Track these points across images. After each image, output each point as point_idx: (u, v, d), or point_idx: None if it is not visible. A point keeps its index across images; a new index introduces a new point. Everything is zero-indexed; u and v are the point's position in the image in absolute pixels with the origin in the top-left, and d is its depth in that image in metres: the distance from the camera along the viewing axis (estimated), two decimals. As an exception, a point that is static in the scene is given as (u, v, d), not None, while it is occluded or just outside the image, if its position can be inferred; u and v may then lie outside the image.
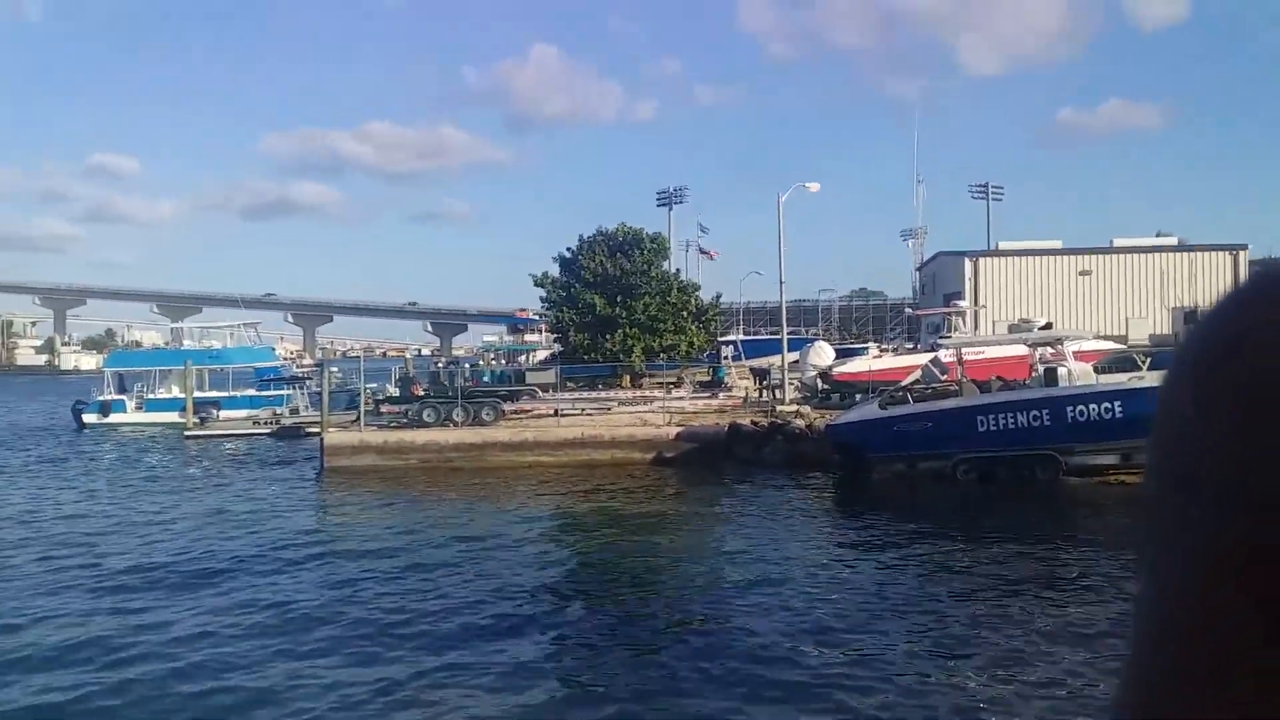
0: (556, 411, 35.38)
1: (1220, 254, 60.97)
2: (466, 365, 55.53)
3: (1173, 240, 63.88)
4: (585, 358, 47.54)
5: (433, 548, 18.53)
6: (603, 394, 40.88)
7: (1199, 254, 60.79)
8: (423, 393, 35.49)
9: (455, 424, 32.68)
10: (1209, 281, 59.71)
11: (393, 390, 37.88)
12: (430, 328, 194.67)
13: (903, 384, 29.64)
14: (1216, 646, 0.44)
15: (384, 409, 34.79)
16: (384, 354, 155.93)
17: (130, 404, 51.03)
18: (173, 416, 47.86)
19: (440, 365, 54.50)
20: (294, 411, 46.81)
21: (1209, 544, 0.46)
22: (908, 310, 75.28)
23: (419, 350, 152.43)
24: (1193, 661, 0.46)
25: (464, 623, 13.37)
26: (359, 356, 64.18)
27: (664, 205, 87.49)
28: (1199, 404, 0.49)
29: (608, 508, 23.20)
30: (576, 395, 39.94)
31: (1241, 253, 61.27)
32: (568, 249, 51.89)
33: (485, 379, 45.09)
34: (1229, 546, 0.45)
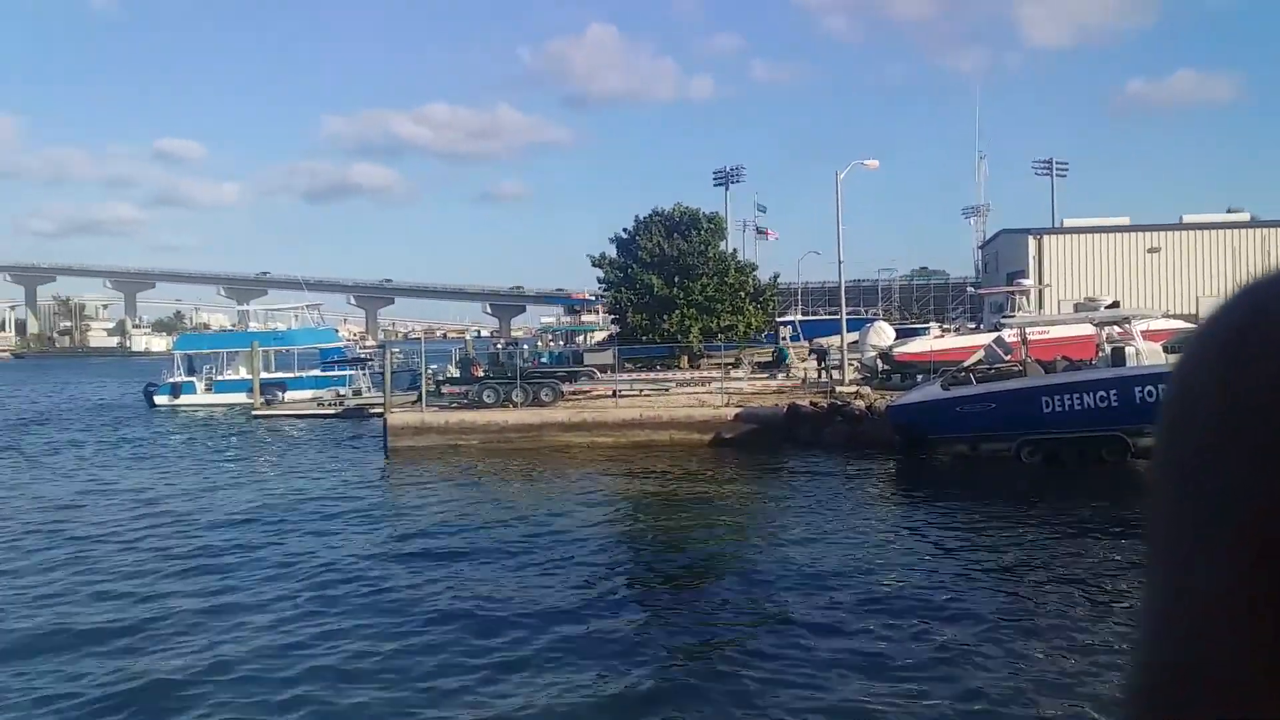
0: (614, 392, 35.51)
1: (1295, 229, 59.14)
2: (525, 346, 55.94)
3: (1245, 216, 62.16)
4: (643, 339, 47.54)
5: (495, 529, 18.76)
6: (660, 375, 40.93)
7: (1272, 230, 59.03)
8: (482, 374, 35.84)
9: (514, 405, 32.98)
10: (1284, 258, 57.96)
11: (453, 371, 38.30)
12: (489, 309, 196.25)
13: (965, 364, 29.28)
14: (1229, 642, 0.43)
15: (445, 390, 35.20)
16: (444, 335, 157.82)
17: (200, 385, 52.24)
18: (240, 397, 48.95)
19: (499, 346, 54.87)
20: (357, 393, 47.59)
21: (1225, 538, 0.45)
22: (970, 289, 74.21)
23: (478, 331, 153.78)
24: (1205, 658, 0.44)
25: (523, 605, 13.48)
26: (420, 338, 64.91)
27: (720, 185, 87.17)
28: (1218, 399, 0.47)
29: (666, 489, 23.28)
30: (634, 376, 40.03)
31: (1318, 228, 59.37)
32: (624, 230, 51.85)
33: (544, 360, 45.40)
34: (1245, 540, 0.44)
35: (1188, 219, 61.51)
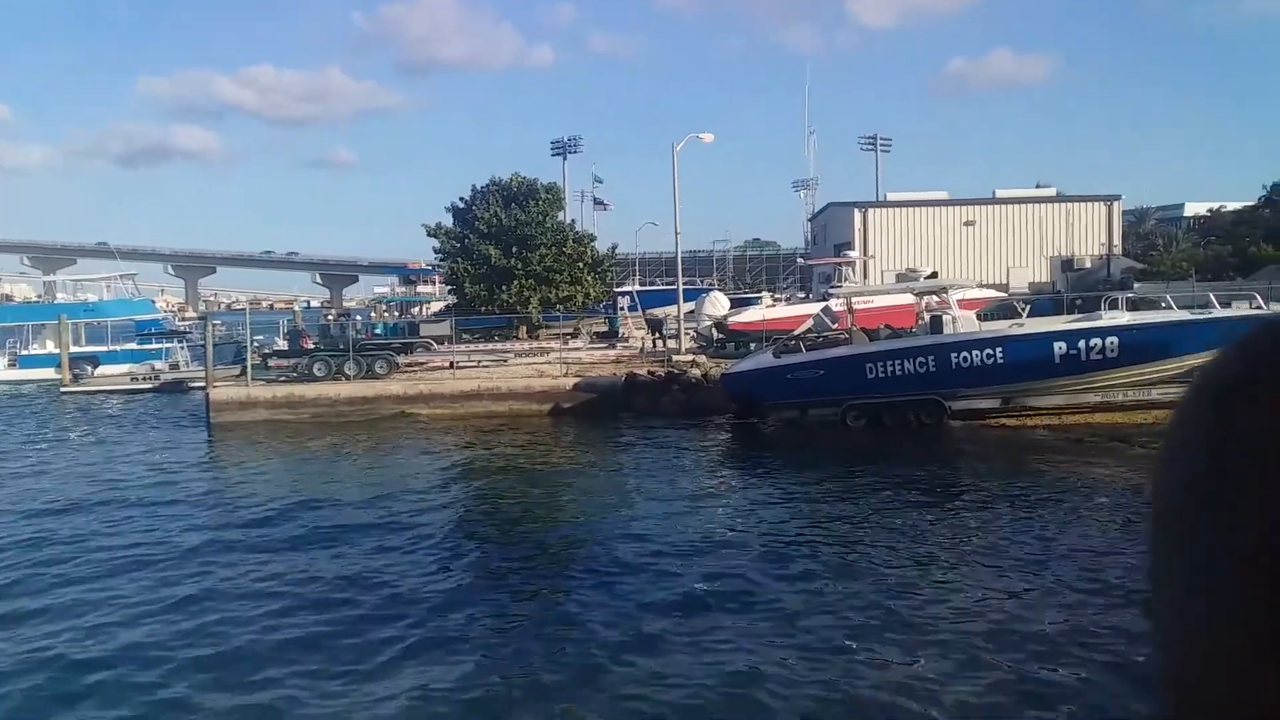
0: (452, 364, 35.04)
1: (1096, 204, 63.47)
2: (358, 318, 54.47)
3: (1051, 191, 66.21)
4: (481, 309, 47.07)
5: (329, 505, 18.26)
6: (499, 346, 40.62)
7: (1076, 205, 63.13)
8: (313, 346, 34.70)
9: (347, 377, 32.10)
10: (1085, 231, 62.15)
11: (281, 344, 36.93)
12: (320, 279, 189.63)
13: (795, 333, 30.23)
14: (1249, 647, 0.45)
15: (272, 363, 33.90)
16: (271, 306, 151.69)
17: (2, 360, 48.70)
18: (49, 373, 45.86)
19: (331, 318, 53.33)
20: (174, 366, 45.31)
21: (1223, 578, 0.47)
22: (800, 260, 76.46)
23: (308, 302, 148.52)
24: (1226, 663, 0.46)
25: (362, 585, 13.22)
26: (244, 309, 62.26)
27: (558, 155, 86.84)
28: (1210, 441, 0.49)
29: (507, 461, 23.16)
30: (472, 347, 39.60)
31: (1115, 203, 63.90)
32: (461, 199, 51.06)
33: (378, 332, 44.34)
34: (1242, 580, 0.45)
35: (1000, 193, 65.08)
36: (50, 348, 47.66)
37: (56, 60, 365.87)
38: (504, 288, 46.85)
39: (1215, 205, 74.69)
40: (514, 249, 47.40)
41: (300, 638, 11.13)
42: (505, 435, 26.51)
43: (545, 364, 34.10)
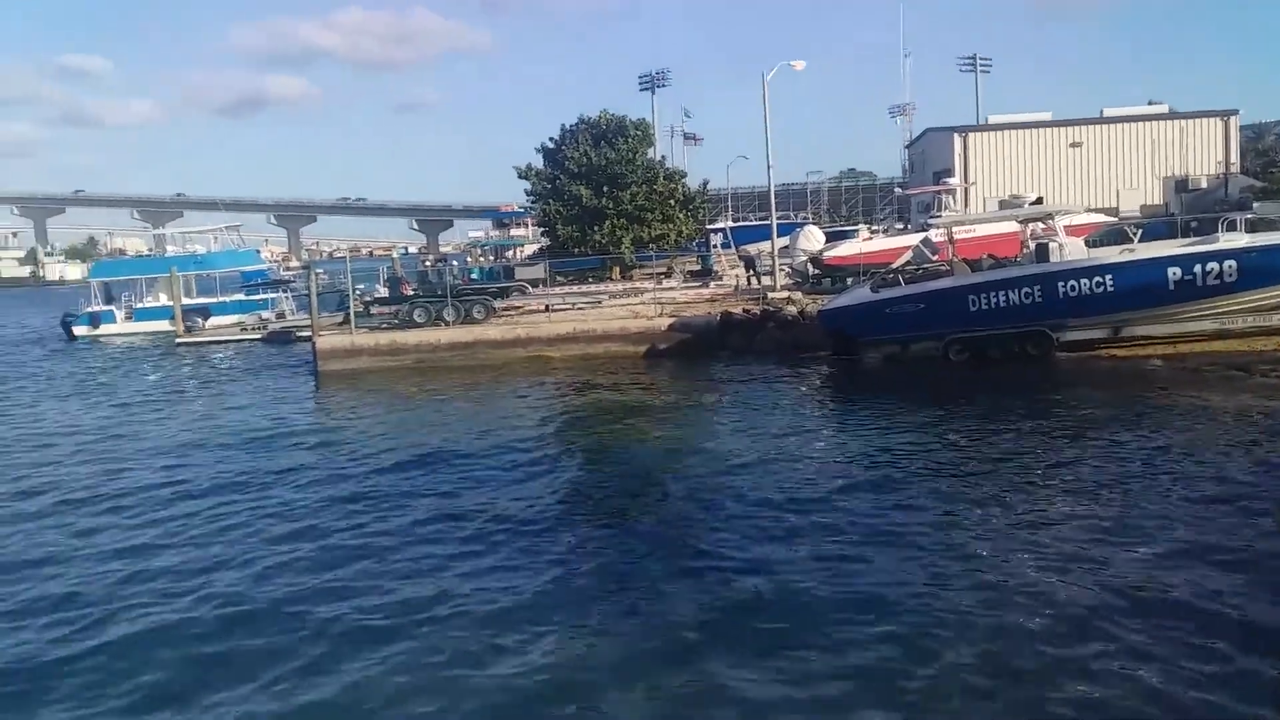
0: (547, 307, 35.28)
1: (1211, 120, 60.29)
2: (454, 263, 55.13)
3: (1163, 108, 63.05)
4: (574, 251, 47.16)
5: (437, 451, 18.55)
6: (593, 287, 40.73)
7: (1190, 121, 60.09)
8: (412, 292, 35.31)
9: (446, 323, 32.62)
10: (1201, 149, 59.16)
11: (382, 291, 37.65)
12: (416, 225, 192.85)
13: (894, 266, 29.59)
14: None
15: (374, 310, 34.63)
16: (370, 253, 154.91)
17: (119, 314, 50.80)
18: (163, 325, 47.72)
19: (428, 264, 54.11)
20: (280, 316, 46.68)
21: None
22: (897, 190, 74.72)
23: (405, 249, 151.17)
24: None
25: (471, 531, 13.44)
26: (345, 257, 63.57)
27: (647, 90, 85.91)
28: None
29: (603, 402, 23.32)
30: (566, 290, 39.81)
31: (1232, 118, 60.59)
32: (550, 139, 50.94)
33: (474, 276, 44.83)
34: None
35: (1108, 112, 62.24)
36: (163, 300, 49.53)
37: (150, 12, 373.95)
38: (596, 228, 46.77)
39: (1343, 115, 70.20)
40: (605, 188, 47.20)
41: (369, 569, 11.59)
42: (601, 376, 26.67)
43: (639, 304, 34.10)
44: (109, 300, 52.05)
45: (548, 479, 15.99)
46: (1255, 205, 38.85)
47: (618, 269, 45.93)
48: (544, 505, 14.37)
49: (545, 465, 17.06)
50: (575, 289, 40.18)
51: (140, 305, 51.10)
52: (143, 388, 31.02)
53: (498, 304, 34.92)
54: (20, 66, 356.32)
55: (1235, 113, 60.88)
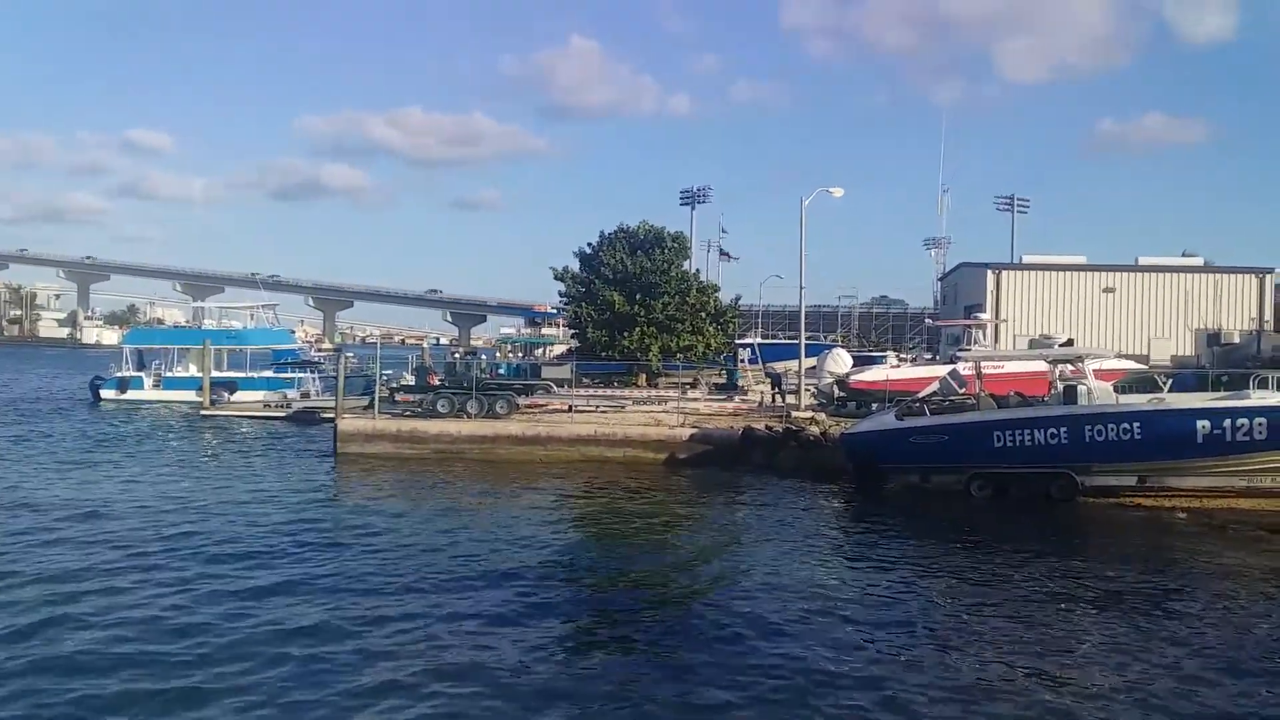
0: (570, 407, 35.33)
1: (1246, 276, 60.38)
2: (483, 357, 55.58)
3: (1199, 261, 63.29)
4: (602, 355, 47.46)
5: (443, 541, 18.50)
6: (618, 392, 40.82)
7: (1225, 276, 60.19)
8: (438, 382, 35.51)
9: (469, 415, 32.69)
10: (1234, 304, 59.12)
11: (408, 379, 37.90)
12: (450, 317, 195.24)
13: (920, 395, 29.45)
14: None
15: (399, 397, 34.80)
16: (403, 341, 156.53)
17: (148, 381, 51.41)
18: (190, 395, 48.17)
19: (457, 355, 54.50)
20: (305, 395, 47.03)
21: None
22: (928, 320, 74.86)
23: (437, 339, 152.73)
24: None
25: (468, 619, 13.32)
26: (376, 343, 64.23)
27: (687, 204, 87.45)
28: None
29: (618, 506, 23.11)
30: (591, 392, 39.91)
31: (1268, 276, 60.63)
32: (589, 245, 51.86)
33: (501, 371, 45.12)
34: None
35: (1143, 260, 62.52)
36: (193, 371, 50.13)
37: (221, 97, 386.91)
38: (625, 334, 47.16)
39: (1379, 281, 70.27)
40: (638, 296, 47.75)
41: (389, 678, 11.24)
42: (618, 481, 26.48)
43: (662, 412, 34.08)
44: (140, 367, 52.75)
45: (542, 582, 15.74)
46: (1288, 364, 38.56)
47: (644, 376, 46.10)
48: (534, 613, 14.07)
49: (542, 567, 16.79)
50: (600, 392, 40.27)
51: (170, 374, 51.71)
52: (158, 456, 31.12)
53: (522, 400, 35.00)
54: (87, 138, 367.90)
55: (1271, 270, 60.98)
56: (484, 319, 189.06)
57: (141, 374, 51.84)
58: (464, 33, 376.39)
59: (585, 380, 44.12)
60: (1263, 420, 22.27)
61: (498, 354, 64.27)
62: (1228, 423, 22.44)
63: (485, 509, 22.39)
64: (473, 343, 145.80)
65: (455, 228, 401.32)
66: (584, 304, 49.37)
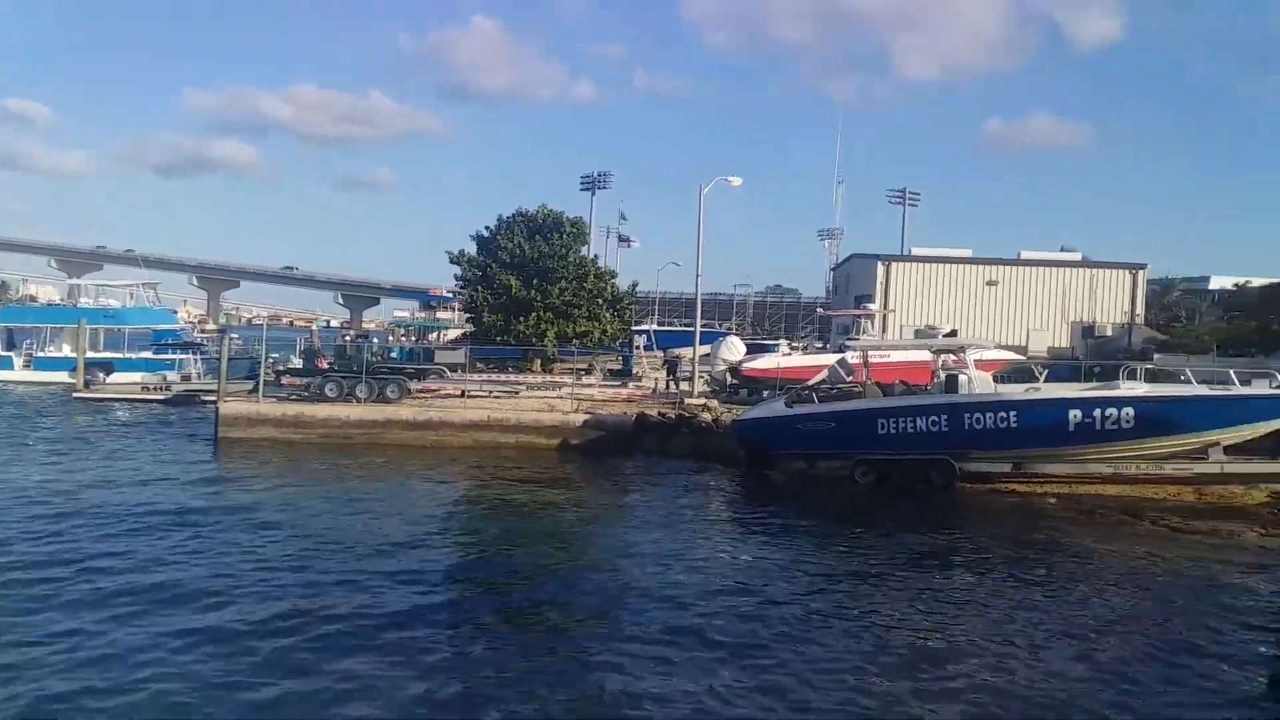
0: (463, 392, 34.96)
1: (1120, 272, 63.11)
2: (375, 340, 54.59)
3: (1077, 256, 65.96)
4: (497, 339, 47.10)
5: (327, 529, 18.13)
6: (512, 377, 40.56)
7: (1100, 271, 62.85)
8: (327, 366, 34.71)
9: (358, 400, 32.05)
10: (1108, 298, 61.79)
11: (295, 362, 36.96)
12: (341, 299, 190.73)
13: (809, 383, 29.98)
14: None
15: (285, 380, 33.91)
16: (291, 323, 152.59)
17: (18, 361, 49.07)
18: (62, 376, 46.12)
19: (348, 338, 53.39)
20: (186, 378, 45.47)
21: None
22: (820, 310, 76.41)
23: (328, 322, 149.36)
24: None
25: (353, 610, 13.08)
26: (263, 324, 62.49)
27: (588, 190, 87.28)
28: None
29: (509, 493, 22.97)
30: (485, 377, 39.56)
31: (1140, 272, 63.51)
32: (486, 228, 51.37)
33: (394, 355, 44.37)
34: None
35: (1025, 255, 64.84)
36: (67, 351, 48.02)
37: (100, 66, 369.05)
38: (521, 319, 46.88)
39: (1242, 280, 74.18)
40: (534, 281, 47.49)
41: (258, 657, 11.07)
42: (511, 468, 26.34)
43: (556, 398, 33.98)
44: (10, 346, 50.32)
45: (428, 570, 15.57)
46: (1156, 356, 40.52)
47: (539, 361, 45.91)
48: (427, 601, 13.92)
49: (429, 555, 16.66)
50: (495, 377, 39.95)
51: (41, 354, 49.45)
52: (23, 439, 29.72)
53: (414, 385, 34.48)
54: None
55: (1144, 266, 63.90)
56: (377, 301, 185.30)
57: (11, 354, 49.44)
58: (364, 8, 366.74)
59: (480, 365, 43.72)
60: (1130, 410, 23.33)
61: (390, 337, 63.16)
62: (1097, 412, 23.44)
63: (373, 496, 21.99)
64: (365, 325, 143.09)
65: (350, 208, 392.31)
66: (480, 288, 48.88)
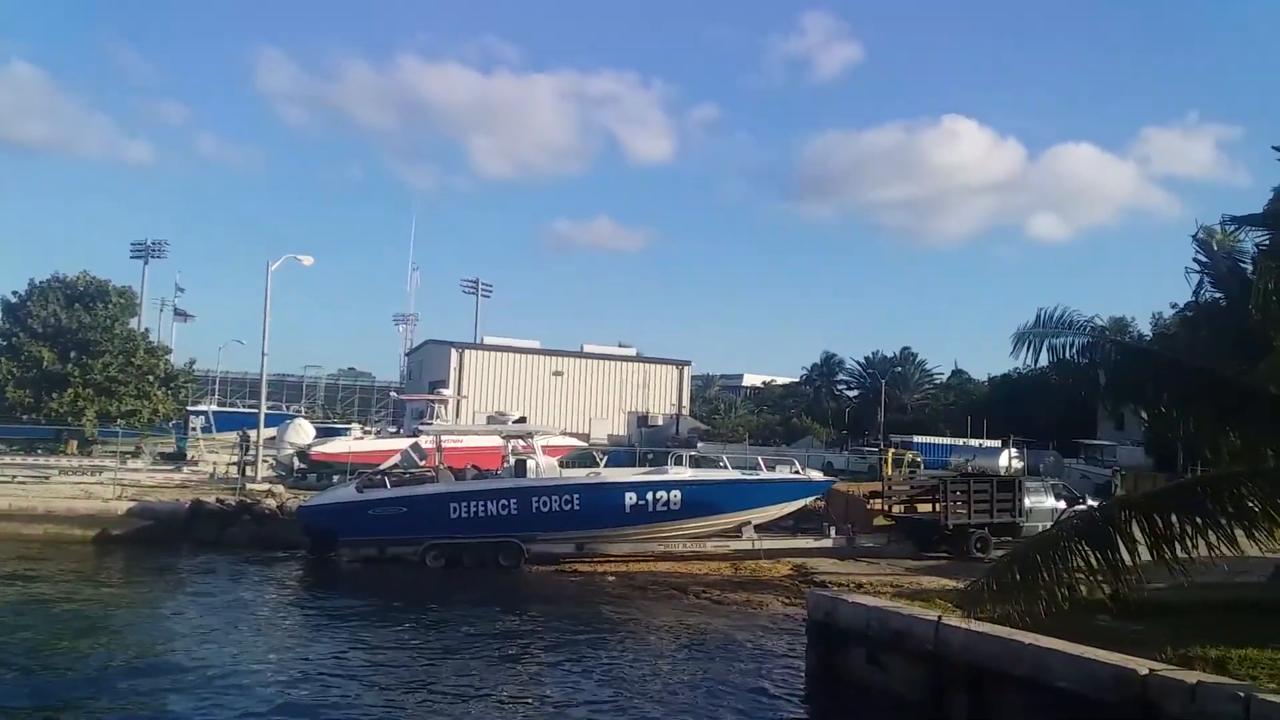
0: (-22, 477, 30.47)
1: (669, 367, 69.48)
2: None
3: (632, 351, 71.72)
4: (24, 417, 41.77)
5: None
6: (42, 460, 36.06)
7: (652, 365, 68.78)
8: None
9: None
10: (659, 390, 67.58)
11: None
12: None
13: (382, 467, 29.72)
14: None
15: None
16: None
17: None
18: None
19: None
20: None
21: None
22: (393, 394, 75.84)
23: None
24: None
25: None
26: None
27: (139, 258, 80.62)
28: None
29: (32, 592, 20.25)
30: (8, 460, 34.79)
31: (686, 367, 70.38)
32: (14, 293, 45.68)
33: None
34: None
35: (588, 348, 69.38)
36: None
37: None
38: (56, 395, 42.00)
39: (768, 378, 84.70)
40: (72, 354, 42.86)
41: None
42: (36, 562, 23.27)
43: (96, 484, 30.68)
44: None
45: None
46: (700, 444, 44.92)
47: (75, 443, 41.24)
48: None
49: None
50: (19, 460, 35.24)
51: None
52: None
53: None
54: None
55: (688, 363, 70.90)
56: None
57: None
58: None
59: (2, 446, 38.37)
60: (677, 492, 25.68)
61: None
62: (650, 494, 25.53)
63: None
64: None
65: None
66: (4, 359, 43.15)
